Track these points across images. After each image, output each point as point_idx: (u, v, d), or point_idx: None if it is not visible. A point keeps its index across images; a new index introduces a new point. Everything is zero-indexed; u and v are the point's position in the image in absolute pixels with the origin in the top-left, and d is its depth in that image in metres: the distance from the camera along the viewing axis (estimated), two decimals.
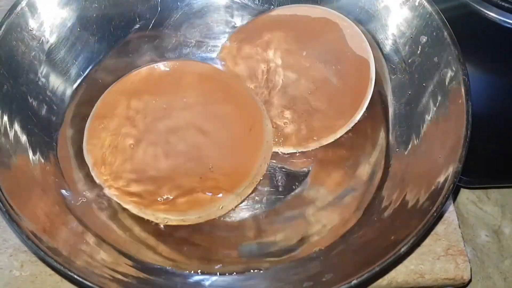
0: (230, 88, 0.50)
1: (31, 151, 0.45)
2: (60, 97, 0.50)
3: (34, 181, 0.43)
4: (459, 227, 0.49)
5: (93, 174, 0.46)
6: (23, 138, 0.45)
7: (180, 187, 0.46)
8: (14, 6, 0.47)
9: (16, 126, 0.45)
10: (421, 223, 0.37)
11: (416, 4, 0.49)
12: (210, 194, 0.45)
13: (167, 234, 0.45)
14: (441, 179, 0.40)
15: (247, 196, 0.47)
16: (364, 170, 0.47)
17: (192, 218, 0.45)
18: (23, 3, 0.47)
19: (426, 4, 0.48)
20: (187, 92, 0.50)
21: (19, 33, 0.47)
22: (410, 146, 0.47)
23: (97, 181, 0.46)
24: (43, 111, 0.48)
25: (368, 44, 0.51)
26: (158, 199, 0.45)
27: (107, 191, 0.45)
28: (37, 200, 0.42)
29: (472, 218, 0.56)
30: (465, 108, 0.42)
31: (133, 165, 0.47)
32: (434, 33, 0.47)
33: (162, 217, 0.45)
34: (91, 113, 0.48)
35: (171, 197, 0.45)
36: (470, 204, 0.56)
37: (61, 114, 0.49)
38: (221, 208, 0.45)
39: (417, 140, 0.46)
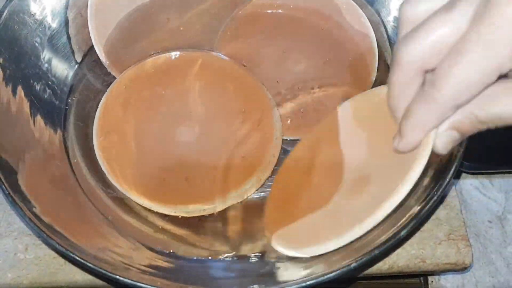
0: (239, 80, 0.50)
1: (34, 135, 0.45)
2: (63, 81, 0.50)
3: (39, 164, 0.44)
4: (461, 212, 0.49)
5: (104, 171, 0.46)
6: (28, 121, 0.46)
7: (187, 180, 0.46)
8: None
9: (20, 109, 0.45)
10: (422, 207, 0.37)
11: None
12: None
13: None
14: (443, 162, 0.40)
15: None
16: None
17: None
18: None
19: None
20: (195, 83, 0.50)
21: (21, 18, 0.47)
22: None
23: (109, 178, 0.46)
24: (46, 95, 0.48)
25: (366, 18, 0.51)
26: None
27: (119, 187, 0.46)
28: (40, 183, 0.42)
29: (475, 204, 0.55)
30: None
31: (142, 159, 0.47)
32: None
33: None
34: (99, 108, 0.48)
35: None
36: (473, 190, 0.56)
37: (65, 99, 0.49)
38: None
39: None
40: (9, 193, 0.37)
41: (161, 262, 0.41)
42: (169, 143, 0.48)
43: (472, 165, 0.51)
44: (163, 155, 0.47)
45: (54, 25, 0.49)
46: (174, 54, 0.50)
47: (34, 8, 0.48)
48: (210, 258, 0.42)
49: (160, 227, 0.45)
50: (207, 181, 0.46)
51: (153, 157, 0.47)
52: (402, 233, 0.35)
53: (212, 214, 0.46)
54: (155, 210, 0.45)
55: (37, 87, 0.47)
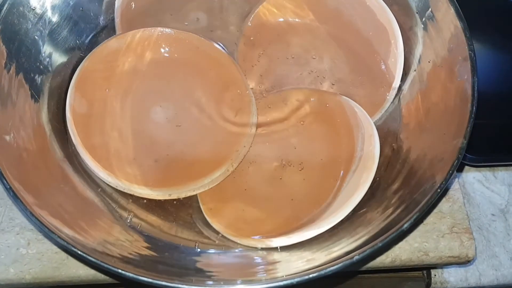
0: (222, 68, 0.50)
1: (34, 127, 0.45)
2: (63, 76, 0.50)
3: (39, 160, 0.43)
4: (464, 205, 0.49)
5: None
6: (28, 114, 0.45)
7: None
8: None
9: (20, 103, 0.45)
10: (424, 199, 0.37)
11: None
12: None
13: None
14: (446, 155, 0.39)
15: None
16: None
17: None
18: None
19: None
20: (177, 64, 0.49)
21: (21, 12, 0.47)
22: (415, 121, 0.46)
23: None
24: (46, 90, 0.48)
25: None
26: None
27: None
28: (41, 178, 0.42)
29: (478, 197, 0.55)
30: (471, 83, 0.41)
31: (113, 135, 0.47)
32: (440, 8, 0.46)
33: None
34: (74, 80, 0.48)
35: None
36: (476, 183, 0.56)
37: (64, 93, 0.49)
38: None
39: (422, 116, 0.46)
40: (10, 187, 0.37)
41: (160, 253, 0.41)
42: (142, 121, 0.47)
43: (475, 158, 0.50)
44: (134, 133, 0.47)
45: (55, 19, 0.49)
46: (160, 31, 0.50)
47: (34, 2, 0.47)
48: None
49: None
50: (176, 165, 0.46)
51: (124, 133, 0.47)
52: (405, 225, 0.35)
53: (178, 199, 0.46)
54: (114, 186, 0.45)
55: (38, 81, 0.47)
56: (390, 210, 0.39)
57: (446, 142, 0.40)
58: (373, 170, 0.43)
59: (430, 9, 0.47)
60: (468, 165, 0.53)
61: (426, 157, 0.42)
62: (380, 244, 0.35)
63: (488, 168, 0.55)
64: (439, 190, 0.37)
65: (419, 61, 0.48)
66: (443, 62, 0.45)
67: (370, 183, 0.42)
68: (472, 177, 0.55)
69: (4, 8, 0.45)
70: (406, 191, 0.40)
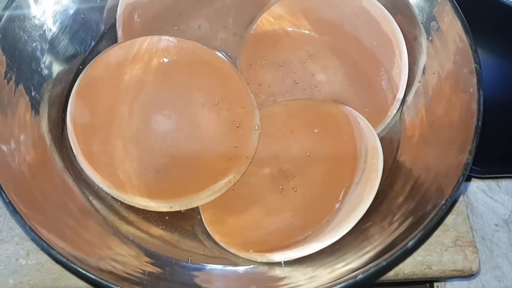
0: (225, 77, 0.49)
1: (35, 139, 0.45)
2: (64, 84, 0.49)
3: (39, 171, 0.43)
4: (468, 217, 0.48)
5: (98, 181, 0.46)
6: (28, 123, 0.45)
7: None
8: None
9: (21, 113, 0.44)
10: (429, 216, 0.36)
11: None
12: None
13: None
14: (451, 170, 0.39)
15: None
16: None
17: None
18: None
19: None
20: (178, 72, 0.49)
21: (21, 21, 0.46)
22: (419, 134, 0.46)
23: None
24: (46, 100, 0.47)
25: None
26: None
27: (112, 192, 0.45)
28: (41, 190, 0.41)
29: (482, 207, 0.55)
30: (477, 97, 0.41)
31: (113, 144, 0.46)
32: (445, 19, 0.45)
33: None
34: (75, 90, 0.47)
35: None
36: (480, 193, 0.55)
37: (65, 102, 0.48)
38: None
39: (427, 129, 0.45)
40: (9, 201, 0.37)
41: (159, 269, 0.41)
42: (144, 130, 0.47)
43: (481, 170, 0.50)
44: (136, 143, 0.46)
45: (55, 27, 0.49)
46: (163, 39, 0.49)
47: (35, 10, 0.47)
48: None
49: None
50: (178, 176, 0.45)
51: (126, 143, 0.46)
52: (410, 243, 0.35)
53: (179, 211, 0.45)
54: (115, 197, 0.45)
55: (38, 90, 0.47)
56: (395, 225, 0.39)
57: (451, 157, 0.40)
58: (376, 183, 0.42)
59: (435, 20, 0.46)
60: (473, 176, 0.53)
61: (430, 171, 0.41)
62: (384, 263, 0.34)
63: (492, 178, 0.55)
64: (444, 208, 0.36)
65: (423, 72, 0.47)
66: (448, 74, 0.44)
67: (374, 197, 0.42)
68: (475, 186, 0.55)
69: (4, 17, 0.45)
70: (410, 206, 0.40)
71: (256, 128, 0.48)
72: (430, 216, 0.36)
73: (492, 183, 0.55)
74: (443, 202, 0.37)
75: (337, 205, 0.43)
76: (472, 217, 0.52)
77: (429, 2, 0.47)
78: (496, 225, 0.54)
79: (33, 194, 0.40)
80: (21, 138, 0.43)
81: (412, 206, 0.40)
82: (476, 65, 0.42)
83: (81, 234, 0.40)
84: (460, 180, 0.37)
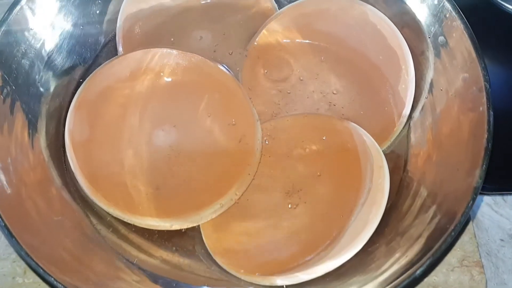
0: (227, 91, 0.48)
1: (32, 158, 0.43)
2: (62, 99, 0.48)
3: (37, 190, 0.42)
4: (475, 236, 0.47)
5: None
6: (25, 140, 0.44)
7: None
8: (14, 4, 0.45)
9: (18, 130, 0.43)
10: (437, 243, 0.35)
11: (436, 2, 0.46)
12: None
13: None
14: (459, 194, 0.38)
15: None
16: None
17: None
18: (23, 2, 0.45)
19: (445, 2, 0.45)
20: (180, 85, 0.48)
21: (19, 33, 0.45)
22: (426, 153, 0.45)
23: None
24: (44, 114, 0.46)
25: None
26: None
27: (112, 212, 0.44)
28: (38, 212, 0.40)
29: (487, 221, 0.54)
30: (486, 117, 0.40)
31: (112, 159, 0.45)
32: (454, 35, 0.44)
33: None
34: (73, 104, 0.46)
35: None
36: (485, 207, 0.54)
37: (63, 117, 0.47)
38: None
39: (434, 148, 0.44)
40: (5, 225, 0.36)
41: None
42: (144, 146, 0.45)
43: (489, 187, 0.49)
44: (136, 159, 0.45)
45: (54, 39, 0.48)
46: (166, 52, 0.48)
47: (32, 22, 0.46)
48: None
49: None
50: (178, 194, 0.44)
51: (125, 159, 0.45)
52: (418, 272, 0.34)
53: (180, 230, 0.44)
54: (115, 216, 0.44)
55: (36, 104, 0.45)
56: (402, 250, 0.38)
57: (460, 180, 0.39)
58: (382, 204, 0.41)
59: (443, 35, 0.45)
60: (481, 193, 0.52)
61: (438, 193, 0.40)
62: None
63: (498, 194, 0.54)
64: (453, 234, 0.35)
65: (430, 88, 0.46)
66: (456, 92, 0.43)
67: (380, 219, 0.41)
68: (480, 200, 0.54)
69: (2, 29, 0.43)
70: (418, 229, 0.39)
71: (259, 143, 0.47)
72: (439, 243, 0.35)
73: (497, 197, 0.54)
74: (452, 227, 0.36)
75: (342, 226, 0.42)
76: (477, 231, 0.51)
77: (437, 16, 0.45)
78: (502, 240, 0.53)
79: (29, 216, 0.39)
80: (18, 156, 0.41)
81: (420, 230, 0.39)
82: (486, 83, 0.41)
83: (78, 256, 0.39)
84: (469, 205, 0.36)
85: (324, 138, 0.47)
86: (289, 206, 0.44)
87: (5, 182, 0.39)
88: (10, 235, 0.35)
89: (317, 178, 0.45)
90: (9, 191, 0.39)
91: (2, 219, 0.36)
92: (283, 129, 0.48)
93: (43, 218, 0.40)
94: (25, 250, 0.35)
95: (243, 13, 0.52)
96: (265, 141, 0.47)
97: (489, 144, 0.38)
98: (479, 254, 0.47)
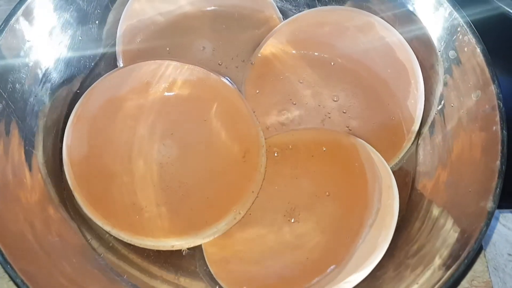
0: (230, 105, 0.46)
1: (27, 176, 0.42)
2: (60, 112, 0.47)
3: (34, 209, 0.40)
4: (484, 256, 0.46)
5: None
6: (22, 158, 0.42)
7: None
8: (10, 16, 0.43)
9: (14, 148, 0.42)
10: (448, 271, 0.34)
11: (446, 15, 0.44)
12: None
13: None
14: (472, 218, 0.37)
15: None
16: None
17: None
18: (19, 13, 0.43)
19: (457, 15, 0.44)
20: (181, 102, 0.46)
21: (15, 46, 0.43)
22: (436, 171, 0.43)
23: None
24: (41, 129, 0.45)
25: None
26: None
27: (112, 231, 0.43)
28: (35, 234, 0.39)
29: (495, 235, 0.52)
30: (500, 137, 0.38)
31: (110, 175, 0.44)
32: (465, 49, 0.43)
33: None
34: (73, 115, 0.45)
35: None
36: (493, 221, 0.53)
37: (61, 132, 0.45)
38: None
39: (444, 166, 0.43)
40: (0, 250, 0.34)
41: None
42: (144, 162, 0.44)
43: (500, 204, 0.48)
44: (133, 175, 0.44)
45: (51, 52, 0.46)
46: (167, 63, 0.46)
47: (29, 35, 0.44)
48: None
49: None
50: (179, 212, 0.43)
51: (124, 176, 0.43)
52: None
53: (180, 250, 0.43)
54: (114, 235, 0.43)
55: (33, 119, 0.44)
56: (412, 276, 0.37)
57: (472, 202, 0.38)
58: (392, 227, 0.40)
59: (454, 49, 0.44)
60: None
61: (449, 216, 0.39)
62: None
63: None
64: (466, 261, 0.34)
65: (440, 104, 0.45)
66: (468, 109, 0.42)
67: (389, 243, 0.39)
68: None
69: None
70: (428, 256, 0.38)
71: (263, 159, 0.45)
72: (451, 270, 0.34)
73: (505, 210, 0.53)
74: (466, 254, 0.34)
75: (349, 249, 0.40)
76: (485, 245, 0.50)
77: (447, 29, 0.44)
78: (509, 254, 0.51)
79: (26, 239, 0.37)
80: (14, 176, 0.40)
81: (430, 256, 0.37)
82: (499, 101, 0.39)
83: (77, 281, 0.37)
84: (483, 230, 0.35)
85: (329, 154, 0.45)
86: (294, 225, 0.43)
87: (1, 205, 0.37)
88: (4, 262, 0.34)
89: (322, 196, 0.44)
90: (5, 213, 0.37)
91: None
92: (288, 144, 0.46)
93: (40, 240, 0.38)
94: (21, 278, 0.33)
95: (247, 23, 0.50)
96: (273, 154, 0.45)
97: (503, 167, 0.37)
98: (489, 274, 0.45)
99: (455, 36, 0.44)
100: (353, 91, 0.48)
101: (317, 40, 0.49)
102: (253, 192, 0.44)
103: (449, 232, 0.38)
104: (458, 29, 0.43)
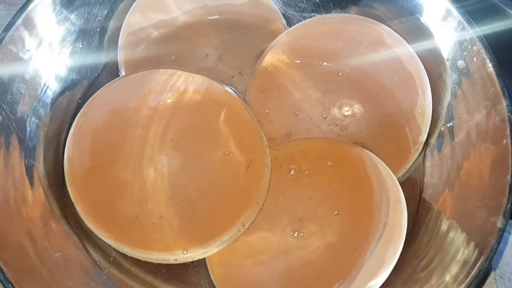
0: (234, 114, 0.45)
1: (28, 190, 0.41)
2: (61, 122, 0.46)
3: (36, 224, 0.40)
4: (494, 270, 0.45)
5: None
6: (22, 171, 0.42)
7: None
8: (9, 25, 0.42)
9: (15, 160, 0.41)
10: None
11: (455, 23, 0.43)
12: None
13: None
14: (483, 234, 0.36)
15: None
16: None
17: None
18: (19, 22, 0.42)
19: (466, 24, 0.43)
20: (185, 112, 0.45)
21: (14, 55, 0.42)
22: (444, 184, 0.43)
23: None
24: (42, 140, 0.44)
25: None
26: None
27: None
28: (37, 253, 0.38)
29: (501, 243, 0.52)
30: (511, 151, 0.37)
31: (113, 186, 0.43)
32: (474, 59, 0.42)
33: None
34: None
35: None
36: None
37: (63, 142, 0.45)
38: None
39: (452, 179, 0.42)
40: (1, 269, 0.33)
41: None
42: (146, 173, 0.43)
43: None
44: (136, 187, 0.43)
45: (51, 61, 0.45)
46: (170, 72, 0.45)
47: (29, 44, 0.43)
48: None
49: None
50: (183, 225, 0.42)
51: (125, 188, 0.43)
52: None
53: (183, 263, 0.42)
54: (116, 248, 0.42)
55: (33, 130, 0.43)
56: None
57: (482, 217, 0.37)
58: (400, 243, 0.39)
59: (463, 59, 0.43)
60: None
61: (459, 230, 0.38)
62: None
63: None
64: (477, 280, 0.33)
65: (448, 114, 0.44)
66: (477, 121, 0.41)
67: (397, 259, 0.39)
68: None
69: None
70: (437, 272, 0.37)
71: (268, 170, 0.44)
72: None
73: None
74: (476, 272, 0.34)
75: (357, 263, 0.40)
76: None
77: (456, 39, 0.43)
78: None
79: (28, 256, 0.37)
80: (14, 188, 0.39)
81: (440, 271, 0.37)
82: (510, 114, 0.38)
83: None
84: (494, 247, 0.34)
85: (334, 164, 0.44)
86: (299, 239, 0.42)
87: (2, 221, 0.37)
88: (5, 280, 0.33)
89: (327, 208, 0.43)
90: (6, 229, 0.37)
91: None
92: (292, 154, 0.46)
93: (42, 256, 0.37)
94: None
95: (251, 31, 0.50)
96: (278, 165, 0.45)
97: None
98: (497, 286, 0.45)
99: (463, 46, 0.43)
100: (358, 101, 0.47)
101: (321, 49, 0.48)
102: (257, 203, 0.43)
103: (459, 248, 0.37)
104: (467, 38, 0.42)
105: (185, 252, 0.42)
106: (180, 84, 0.46)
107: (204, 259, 0.42)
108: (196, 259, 0.42)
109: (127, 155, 0.44)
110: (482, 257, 0.34)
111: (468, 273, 0.34)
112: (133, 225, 0.42)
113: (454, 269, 0.36)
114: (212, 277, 0.42)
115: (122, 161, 0.44)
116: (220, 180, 0.44)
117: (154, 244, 0.42)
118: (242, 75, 0.49)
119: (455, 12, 0.43)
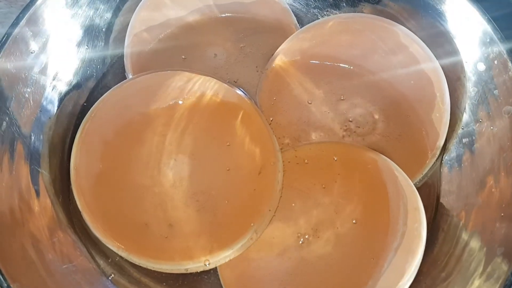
0: (247, 120, 0.44)
1: (33, 199, 0.40)
2: (66, 127, 0.44)
3: (41, 234, 0.38)
4: None
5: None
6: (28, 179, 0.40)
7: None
8: (13, 26, 0.40)
9: (19, 167, 0.40)
10: None
11: (475, 23, 0.42)
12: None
13: None
14: (507, 247, 0.34)
15: None
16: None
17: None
18: (23, 23, 0.41)
19: (486, 24, 0.41)
20: (194, 115, 0.44)
21: (18, 57, 0.41)
22: (462, 191, 0.41)
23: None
24: (47, 146, 0.42)
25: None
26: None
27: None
28: (44, 265, 0.37)
29: None
30: None
31: (120, 194, 0.42)
32: (496, 62, 0.40)
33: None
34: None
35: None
36: None
37: (69, 148, 0.43)
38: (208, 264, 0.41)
39: (471, 186, 0.41)
40: (4, 278, 0.32)
41: None
42: (155, 179, 0.42)
43: None
44: (145, 193, 0.41)
45: (55, 63, 0.44)
46: (178, 74, 0.44)
47: (33, 46, 0.42)
48: None
49: None
50: (194, 233, 0.41)
51: (134, 194, 0.41)
52: None
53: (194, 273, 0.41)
54: (125, 257, 0.41)
55: (38, 136, 0.42)
56: None
57: (505, 227, 0.36)
58: (419, 253, 0.38)
59: (483, 61, 0.41)
60: None
61: (480, 240, 0.37)
62: None
63: None
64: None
65: (466, 119, 0.43)
66: (498, 126, 0.40)
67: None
68: None
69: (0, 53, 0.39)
70: (460, 286, 0.36)
71: (280, 175, 0.43)
72: None
73: None
74: (502, 286, 0.32)
75: (374, 273, 0.38)
76: None
77: (476, 40, 0.42)
78: None
79: (35, 269, 0.35)
80: (19, 198, 0.38)
81: (461, 286, 0.35)
82: None
83: None
84: None
85: (349, 171, 0.43)
86: (313, 247, 0.41)
87: (8, 233, 0.35)
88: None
89: (341, 214, 0.42)
90: (12, 242, 0.35)
91: (5, 279, 0.32)
92: (305, 159, 0.44)
93: (50, 269, 0.36)
94: None
95: (261, 30, 0.48)
96: (290, 169, 0.43)
97: None
98: None
99: (484, 47, 0.41)
100: (373, 103, 0.45)
101: (334, 50, 0.46)
102: (270, 210, 0.42)
103: (482, 259, 0.36)
104: (488, 39, 0.41)
105: (196, 262, 0.40)
106: (188, 86, 0.44)
107: (215, 268, 0.41)
108: (206, 269, 0.41)
109: (136, 162, 0.42)
110: (508, 270, 0.33)
111: (493, 286, 0.33)
112: (142, 233, 0.41)
113: (476, 283, 0.34)
114: (223, 287, 0.40)
115: (134, 167, 0.42)
116: (231, 187, 0.42)
117: (164, 253, 0.40)
118: (252, 76, 0.47)
119: (475, 12, 0.41)
